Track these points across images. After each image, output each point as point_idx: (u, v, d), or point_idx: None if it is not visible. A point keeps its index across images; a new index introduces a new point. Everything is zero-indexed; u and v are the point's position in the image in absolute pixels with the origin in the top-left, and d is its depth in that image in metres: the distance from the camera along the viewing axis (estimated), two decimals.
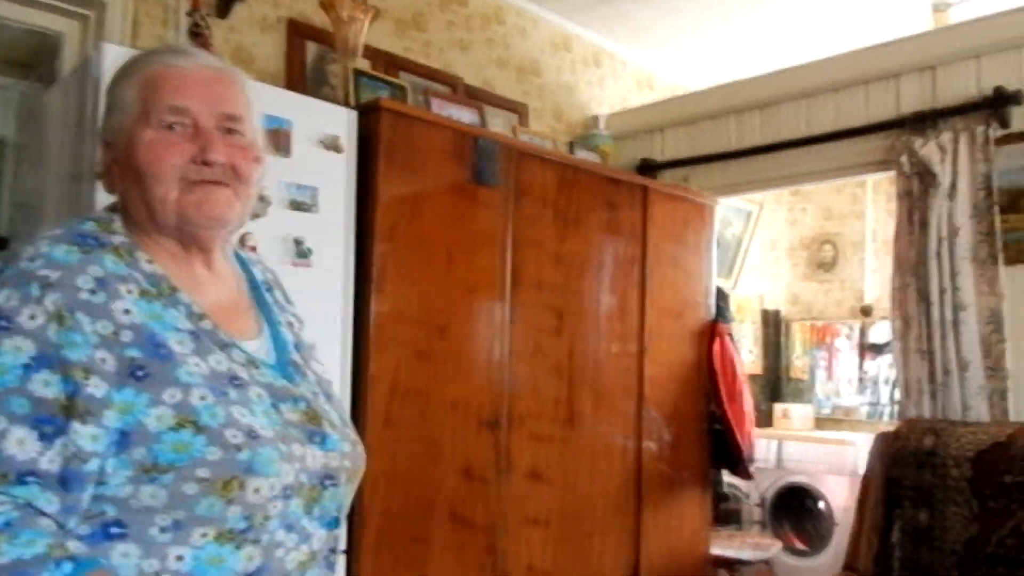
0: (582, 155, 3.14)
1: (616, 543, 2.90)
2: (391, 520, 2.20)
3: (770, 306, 5.19)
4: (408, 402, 2.27)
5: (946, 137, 2.91)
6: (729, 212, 4.66)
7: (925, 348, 2.92)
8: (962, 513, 2.48)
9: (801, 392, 5.17)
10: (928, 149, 2.93)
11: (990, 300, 2.80)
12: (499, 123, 2.90)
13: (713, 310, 3.40)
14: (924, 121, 2.99)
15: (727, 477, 3.64)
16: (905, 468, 2.64)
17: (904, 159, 3.01)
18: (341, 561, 2.06)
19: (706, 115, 3.70)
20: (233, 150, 1.03)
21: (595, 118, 3.84)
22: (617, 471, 2.93)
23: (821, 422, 4.97)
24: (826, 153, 3.32)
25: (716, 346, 3.31)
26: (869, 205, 4.95)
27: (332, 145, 2.14)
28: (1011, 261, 2.80)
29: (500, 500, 2.49)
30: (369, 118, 2.24)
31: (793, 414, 4.87)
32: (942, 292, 2.87)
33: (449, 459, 2.36)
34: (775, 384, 5.20)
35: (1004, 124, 2.83)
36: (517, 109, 3.46)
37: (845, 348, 5.08)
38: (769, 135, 3.49)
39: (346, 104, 2.31)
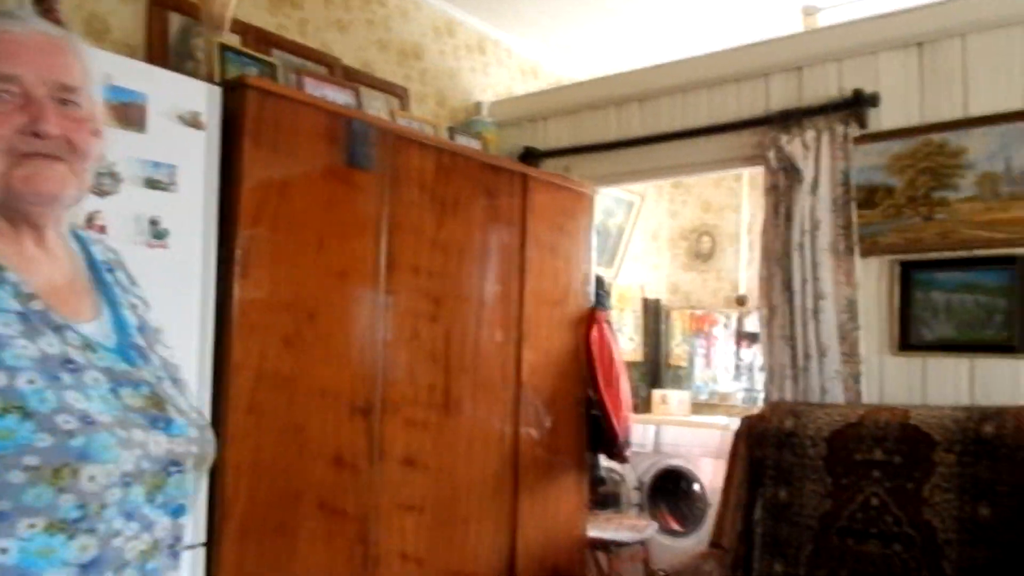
0: (463, 141, 3.13)
1: (492, 528, 2.92)
2: (256, 510, 2.14)
3: (651, 295, 5.33)
4: (275, 389, 2.20)
5: (810, 135, 3.05)
6: (612, 202, 4.76)
7: (788, 335, 3.06)
8: (817, 490, 2.62)
9: (680, 379, 5.35)
10: (793, 146, 3.07)
11: (846, 290, 2.97)
12: (378, 106, 2.85)
13: (592, 297, 3.47)
14: (790, 119, 3.12)
15: (606, 461, 3.73)
16: (767, 448, 2.76)
17: (771, 155, 3.14)
18: (200, 554, 1.99)
19: (588, 105, 3.76)
20: (68, 122, 0.97)
21: (478, 105, 3.84)
22: (494, 457, 2.95)
23: (699, 407, 5.16)
24: (701, 146, 3.43)
25: (594, 333, 3.38)
26: (745, 199, 5.15)
27: (192, 122, 2.04)
28: (866, 253, 2.96)
29: (372, 488, 2.46)
30: (234, 95, 2.15)
31: (672, 400, 5.03)
32: (804, 282, 3.01)
33: (319, 447, 2.32)
34: (655, 371, 5.36)
35: (862, 124, 2.99)
36: (398, 93, 3.41)
37: (722, 336, 5.28)
38: (648, 127, 3.57)
39: (211, 80, 2.22)
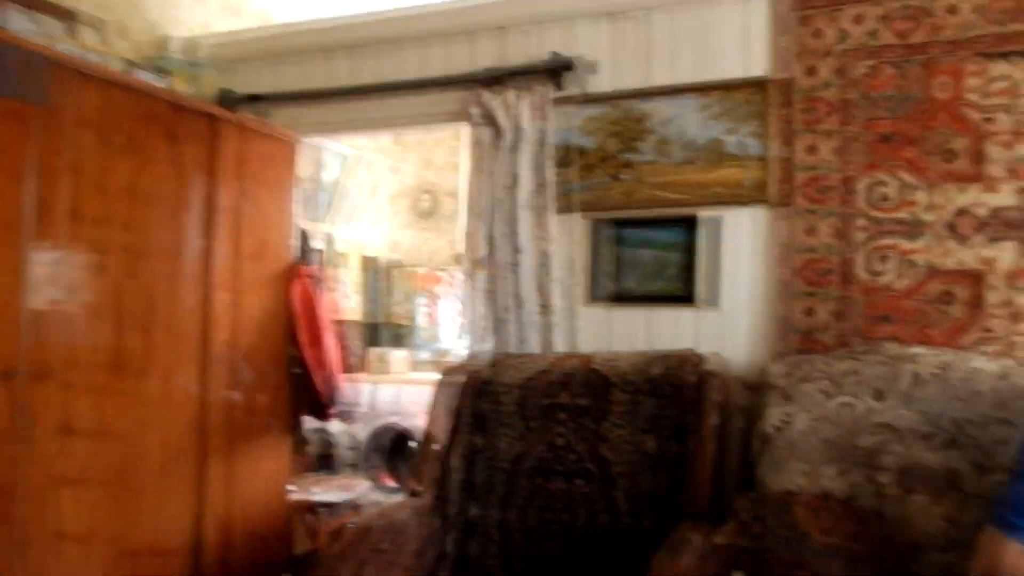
0: (146, 78, 2.82)
1: (176, 497, 2.71)
2: None
3: (372, 253, 5.26)
4: None
5: (511, 95, 3.13)
6: (328, 156, 4.61)
7: (490, 288, 3.15)
8: (510, 434, 2.73)
9: (403, 337, 5.34)
10: (496, 104, 3.14)
11: (543, 244, 3.10)
12: (34, 29, 2.47)
13: (297, 252, 3.33)
14: (493, 78, 3.19)
15: (320, 422, 3.63)
16: (466, 398, 2.82)
17: (476, 112, 3.19)
18: None
19: (293, 51, 3.58)
20: None
21: (166, 39, 3.49)
22: (180, 421, 2.73)
23: (421, 365, 5.19)
24: (409, 101, 3.40)
25: (297, 289, 3.24)
26: (464, 157, 5.21)
27: None
28: (561, 210, 3.11)
29: (18, 461, 2.16)
30: None
31: (392, 358, 5.02)
32: (504, 237, 3.11)
33: None
34: (376, 330, 5.31)
35: (560, 87, 3.12)
36: (61, 15, 2.98)
37: (445, 294, 5.35)
38: (355, 78, 3.48)
39: None
